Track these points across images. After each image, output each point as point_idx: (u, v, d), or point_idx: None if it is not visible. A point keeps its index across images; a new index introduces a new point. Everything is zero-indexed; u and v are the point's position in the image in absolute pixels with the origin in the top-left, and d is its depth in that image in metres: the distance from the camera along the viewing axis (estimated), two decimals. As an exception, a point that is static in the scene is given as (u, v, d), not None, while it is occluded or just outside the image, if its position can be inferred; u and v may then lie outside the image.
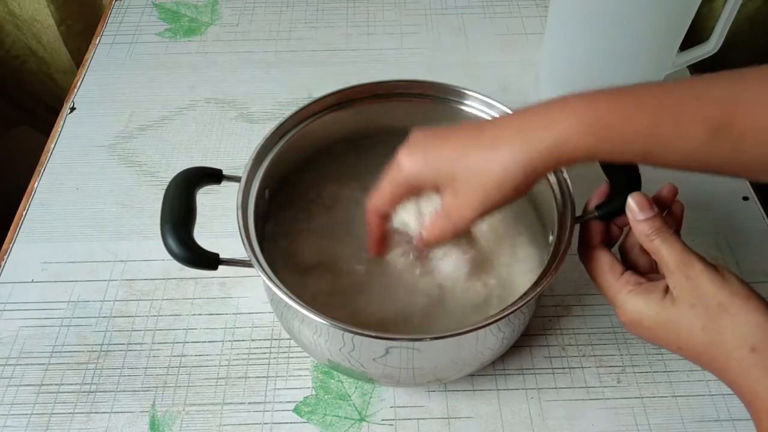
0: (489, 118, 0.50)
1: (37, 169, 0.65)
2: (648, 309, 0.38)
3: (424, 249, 0.44)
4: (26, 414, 0.49)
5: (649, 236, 0.38)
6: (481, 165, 0.38)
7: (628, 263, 0.42)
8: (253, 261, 0.41)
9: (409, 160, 0.40)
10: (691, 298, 0.36)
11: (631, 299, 0.39)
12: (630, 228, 0.41)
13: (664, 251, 0.38)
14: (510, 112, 0.49)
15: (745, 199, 0.61)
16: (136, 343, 0.53)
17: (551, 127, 0.36)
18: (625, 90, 0.36)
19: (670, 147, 0.35)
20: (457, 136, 0.39)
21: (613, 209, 0.42)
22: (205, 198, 0.61)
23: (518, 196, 0.38)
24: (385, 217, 0.44)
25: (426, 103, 0.52)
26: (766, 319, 0.35)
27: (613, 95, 0.36)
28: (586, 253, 0.42)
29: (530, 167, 0.36)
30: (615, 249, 0.43)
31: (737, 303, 0.35)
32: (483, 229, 0.52)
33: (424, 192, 0.42)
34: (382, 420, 0.48)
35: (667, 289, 0.38)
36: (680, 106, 0.35)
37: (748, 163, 0.35)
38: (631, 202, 0.39)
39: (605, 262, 0.41)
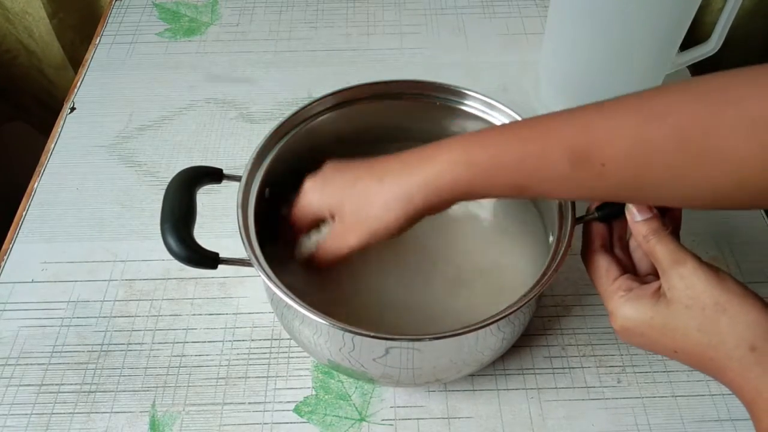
0: (494, 122, 0.50)
1: (37, 169, 0.65)
2: (641, 315, 0.37)
3: (316, 265, 0.46)
4: (26, 414, 0.49)
5: (646, 237, 0.38)
6: (366, 196, 0.41)
7: (631, 265, 0.42)
8: (253, 261, 0.41)
9: (310, 189, 0.44)
10: (686, 299, 0.36)
11: (622, 306, 0.38)
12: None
13: (659, 251, 0.38)
14: (510, 112, 0.49)
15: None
16: (136, 343, 0.53)
17: (428, 164, 0.39)
18: (500, 127, 0.40)
19: (537, 179, 0.37)
20: (355, 168, 0.43)
21: (613, 211, 0.42)
22: (205, 198, 0.61)
23: (401, 228, 0.40)
24: (298, 235, 0.47)
25: (426, 103, 0.52)
26: (764, 318, 0.35)
27: (486, 133, 0.39)
28: (586, 256, 0.42)
29: (409, 201, 0.39)
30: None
31: (734, 302, 0.35)
32: (483, 229, 0.52)
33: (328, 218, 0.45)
34: (382, 420, 0.48)
35: (657, 292, 0.37)
36: (542, 137, 0.37)
37: (615, 188, 0.36)
38: (630, 204, 0.39)
39: (601, 266, 0.41)
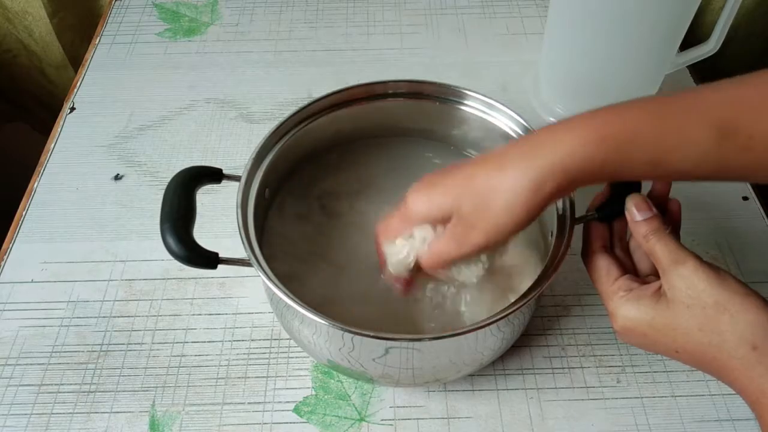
0: (494, 122, 0.50)
1: (37, 169, 0.65)
2: (641, 315, 0.37)
3: (423, 272, 0.42)
4: (26, 414, 0.49)
5: (646, 237, 0.38)
6: (487, 188, 0.36)
7: (632, 265, 0.42)
8: (253, 260, 0.41)
9: (416, 198, 0.39)
10: (686, 298, 0.36)
11: (622, 306, 0.38)
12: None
13: (659, 250, 0.37)
14: (510, 112, 0.49)
15: (745, 199, 0.61)
16: (135, 343, 0.53)
17: (555, 145, 0.35)
18: (626, 104, 0.36)
19: (677, 155, 0.34)
20: (466, 167, 0.39)
21: (613, 211, 0.42)
22: (205, 198, 0.61)
23: (530, 219, 0.36)
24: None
25: (426, 103, 0.52)
26: (765, 317, 0.34)
27: (614, 109, 0.36)
28: (586, 257, 0.42)
29: (539, 186, 0.35)
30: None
31: (736, 301, 0.35)
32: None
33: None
34: (382, 420, 0.48)
35: (658, 292, 0.37)
36: (684, 113, 0.34)
37: (759, 165, 0.34)
38: (630, 204, 0.39)
39: (602, 267, 0.41)
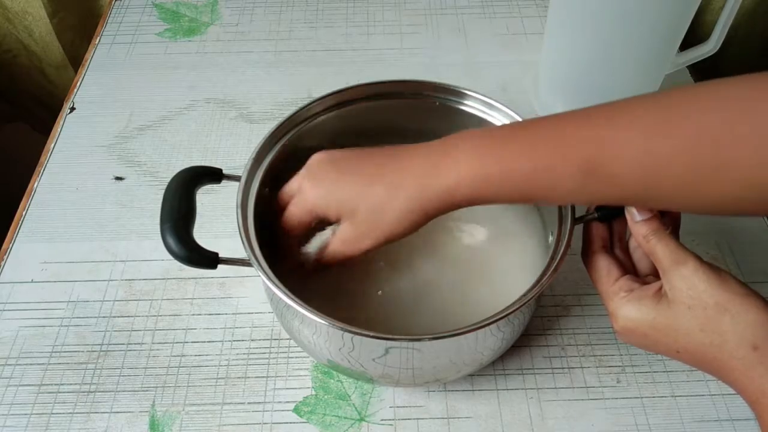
0: (494, 122, 0.50)
1: (37, 169, 0.65)
2: (643, 315, 0.37)
3: (319, 265, 0.46)
4: (26, 414, 0.49)
5: (646, 237, 0.38)
6: (381, 203, 0.41)
7: (632, 266, 0.42)
8: (253, 260, 0.41)
9: (314, 192, 0.43)
10: (688, 299, 0.36)
11: (623, 306, 0.38)
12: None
13: (659, 251, 0.38)
14: (510, 112, 0.49)
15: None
16: (135, 343, 0.53)
17: (443, 176, 0.39)
18: (513, 132, 0.39)
19: (548, 191, 0.37)
20: (360, 169, 0.42)
21: (613, 211, 0.42)
22: (205, 198, 0.61)
23: (412, 231, 0.41)
24: (295, 237, 0.45)
25: (426, 103, 0.52)
26: (766, 317, 0.34)
27: (499, 140, 0.39)
28: (586, 257, 0.42)
29: (423, 211, 0.40)
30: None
31: (736, 301, 0.35)
32: (483, 229, 0.52)
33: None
34: (382, 420, 0.48)
35: (658, 292, 0.37)
36: (554, 151, 0.36)
37: (625, 197, 0.37)
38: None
39: (602, 267, 0.41)
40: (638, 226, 0.39)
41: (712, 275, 0.36)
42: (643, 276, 0.41)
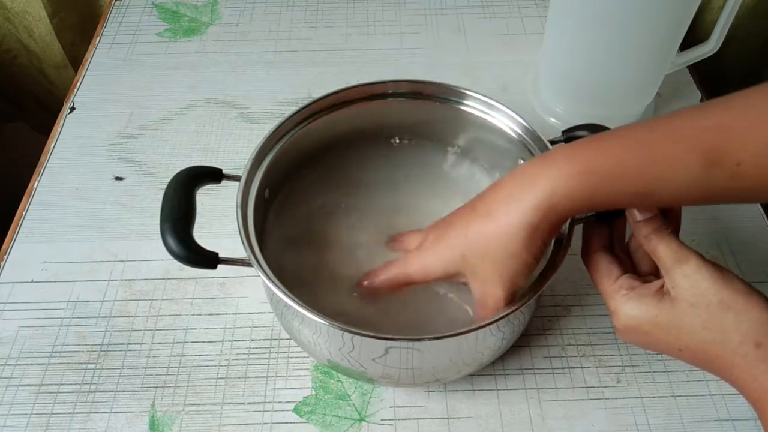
0: (494, 122, 0.50)
1: (37, 169, 0.65)
2: (644, 313, 0.37)
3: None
4: (26, 414, 0.49)
5: (647, 237, 0.38)
6: (483, 238, 0.38)
7: (631, 266, 0.42)
8: (253, 260, 0.41)
9: (425, 259, 0.41)
10: (691, 297, 0.36)
11: (624, 304, 0.38)
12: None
13: (661, 250, 0.37)
14: (510, 112, 0.49)
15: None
16: (135, 343, 0.53)
17: (539, 183, 0.36)
18: (609, 134, 0.37)
19: (665, 184, 0.35)
20: (458, 217, 0.40)
21: (613, 211, 0.42)
22: (205, 198, 0.61)
23: (536, 257, 0.38)
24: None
25: (426, 103, 0.52)
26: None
27: (597, 140, 0.36)
28: (587, 256, 0.42)
29: (529, 227, 0.37)
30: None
31: (739, 299, 0.35)
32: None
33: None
34: (382, 420, 0.48)
35: (660, 290, 0.37)
36: (669, 142, 0.34)
37: (747, 191, 0.35)
38: None
39: (603, 266, 0.41)
40: (639, 225, 0.39)
41: (715, 273, 0.36)
42: (643, 276, 0.41)
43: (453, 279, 0.42)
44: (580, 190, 0.35)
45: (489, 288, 0.40)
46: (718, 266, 0.37)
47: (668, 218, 0.40)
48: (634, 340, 0.39)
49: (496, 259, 0.38)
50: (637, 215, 0.39)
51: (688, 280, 0.36)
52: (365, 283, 0.46)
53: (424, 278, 0.42)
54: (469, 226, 0.39)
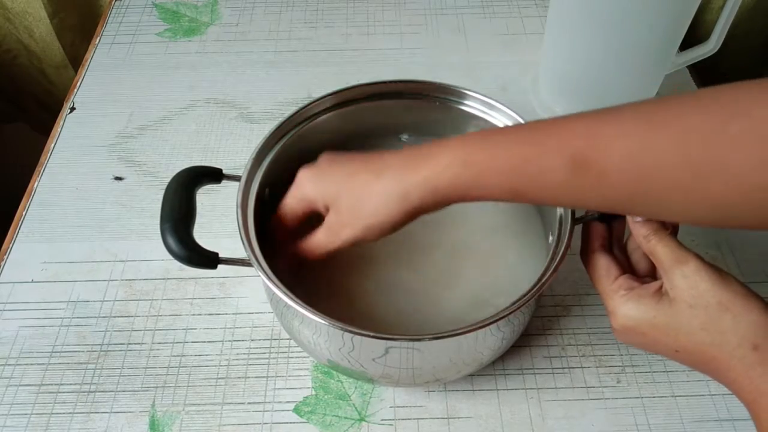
0: (494, 122, 0.50)
1: (37, 169, 0.65)
2: (643, 313, 0.37)
3: (306, 258, 0.45)
4: (26, 414, 0.49)
5: (646, 237, 0.38)
6: (363, 188, 0.40)
7: (629, 266, 0.42)
8: (253, 260, 0.41)
9: (305, 180, 0.44)
10: (689, 298, 0.36)
11: (623, 304, 0.38)
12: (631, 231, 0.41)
13: (660, 251, 0.38)
14: (510, 112, 0.49)
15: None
16: (135, 343, 0.53)
17: (427, 162, 0.38)
18: (497, 129, 0.39)
19: (534, 184, 0.36)
20: (352, 161, 0.42)
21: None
22: (205, 198, 0.61)
23: (395, 223, 0.40)
24: (289, 228, 0.46)
25: (426, 103, 0.52)
26: (766, 318, 0.35)
27: (486, 134, 0.38)
28: (586, 256, 0.42)
29: (405, 198, 0.39)
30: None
31: (737, 301, 0.35)
32: (483, 229, 0.52)
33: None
34: (382, 420, 0.48)
35: (658, 291, 0.37)
36: (542, 142, 0.36)
37: (614, 198, 0.35)
38: None
39: (602, 266, 0.41)
40: (638, 226, 0.39)
41: (714, 275, 0.36)
42: (641, 277, 0.41)
43: (312, 209, 0.44)
44: (460, 179, 0.37)
45: (343, 226, 0.42)
46: (717, 268, 0.37)
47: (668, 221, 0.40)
48: (632, 341, 0.39)
49: (364, 210, 0.40)
50: (636, 216, 0.39)
51: (687, 281, 0.36)
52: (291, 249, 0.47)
53: (299, 199, 0.44)
54: (357, 173, 0.41)
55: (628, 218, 0.40)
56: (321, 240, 0.43)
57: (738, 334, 0.35)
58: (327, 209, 0.43)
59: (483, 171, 0.37)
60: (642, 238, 0.39)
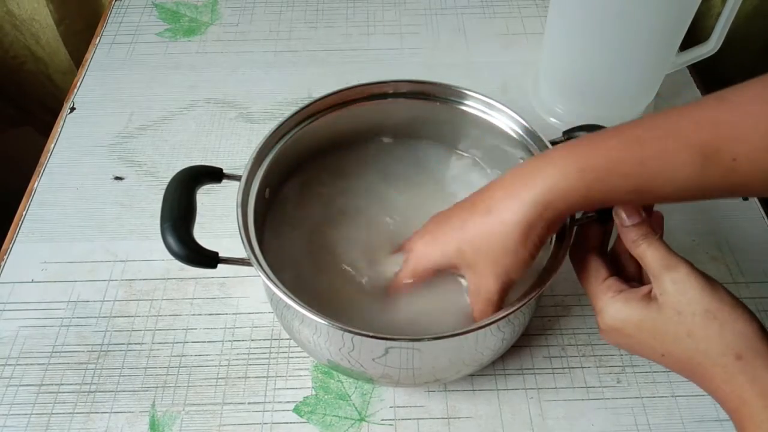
0: (494, 122, 0.50)
1: (37, 169, 0.65)
2: (630, 316, 0.37)
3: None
4: (26, 414, 0.49)
5: (636, 242, 0.38)
6: (480, 233, 0.39)
7: (616, 269, 0.42)
8: (253, 260, 0.41)
9: (422, 248, 0.43)
10: (677, 304, 0.36)
11: (612, 305, 0.38)
12: (618, 234, 0.41)
13: (650, 255, 0.38)
14: (510, 112, 0.49)
15: (745, 199, 0.61)
16: (135, 343, 0.53)
17: (536, 180, 0.37)
18: (606, 131, 0.37)
19: (660, 180, 0.35)
20: (459, 211, 0.41)
21: (611, 213, 0.42)
22: (206, 198, 0.61)
23: (532, 254, 0.38)
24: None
25: (426, 103, 0.52)
26: (752, 329, 0.35)
27: (594, 139, 0.37)
28: (576, 256, 0.42)
29: (526, 223, 0.37)
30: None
31: (725, 310, 0.35)
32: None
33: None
34: (382, 420, 0.48)
35: (647, 295, 0.38)
36: (665, 138, 0.35)
37: (745, 184, 0.35)
38: (619, 209, 0.39)
39: (591, 267, 0.41)
40: (628, 230, 0.39)
41: (703, 282, 0.36)
42: (627, 281, 0.41)
43: (450, 271, 0.43)
44: (576, 188, 0.36)
45: (483, 280, 0.40)
46: (706, 276, 0.37)
47: (654, 224, 0.40)
48: (618, 342, 0.39)
49: (493, 253, 0.39)
50: (625, 219, 0.39)
51: (677, 287, 0.36)
52: (389, 291, 0.47)
53: (424, 270, 0.43)
54: (467, 220, 0.40)
55: (618, 222, 0.39)
56: (481, 308, 0.41)
57: (723, 343, 0.35)
58: (456, 269, 0.41)
59: (603, 176, 0.35)
60: (631, 242, 0.39)
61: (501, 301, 0.41)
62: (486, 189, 0.40)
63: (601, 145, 0.36)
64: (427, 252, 0.43)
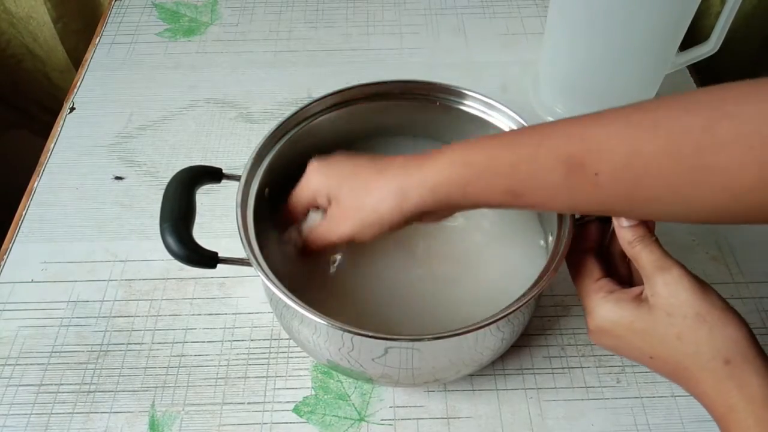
0: (494, 122, 0.50)
1: (37, 169, 0.65)
2: (621, 317, 0.37)
3: (306, 249, 0.46)
4: (26, 414, 0.49)
5: (631, 243, 0.38)
6: (364, 184, 0.41)
7: (609, 270, 0.42)
8: (252, 260, 0.41)
9: (314, 170, 0.45)
10: (668, 306, 0.36)
11: (602, 305, 0.38)
12: (612, 235, 0.41)
13: (644, 257, 0.38)
14: (510, 112, 0.49)
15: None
16: (135, 343, 0.53)
17: (428, 164, 0.39)
18: (503, 133, 0.41)
19: (530, 186, 0.36)
20: (360, 158, 0.43)
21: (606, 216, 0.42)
22: (205, 198, 0.61)
23: (393, 223, 0.40)
24: (295, 219, 0.47)
25: (426, 103, 0.52)
26: (741, 334, 0.35)
27: (487, 137, 0.39)
28: (571, 256, 0.42)
29: (404, 196, 0.39)
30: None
31: (715, 314, 0.35)
32: (482, 229, 0.52)
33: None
34: (382, 420, 0.48)
35: (639, 296, 0.38)
36: (538, 144, 0.36)
37: (609, 200, 0.35)
38: None
39: (585, 266, 0.41)
40: (624, 231, 0.39)
41: (695, 285, 0.36)
42: (620, 282, 0.41)
43: (318, 195, 0.44)
44: (455, 180, 0.38)
45: (340, 221, 0.42)
46: (698, 279, 0.37)
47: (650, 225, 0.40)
48: (606, 343, 0.39)
49: (362, 204, 0.41)
50: (623, 221, 0.39)
51: (668, 289, 0.36)
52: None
53: (309, 185, 0.45)
54: (362, 170, 0.42)
55: (615, 223, 0.40)
56: (321, 231, 0.44)
57: (712, 347, 0.35)
58: (330, 202, 0.43)
59: (482, 172, 0.37)
60: (627, 243, 0.39)
61: (335, 243, 0.43)
62: (392, 158, 0.42)
63: (486, 143, 0.38)
64: (317, 175, 0.44)
